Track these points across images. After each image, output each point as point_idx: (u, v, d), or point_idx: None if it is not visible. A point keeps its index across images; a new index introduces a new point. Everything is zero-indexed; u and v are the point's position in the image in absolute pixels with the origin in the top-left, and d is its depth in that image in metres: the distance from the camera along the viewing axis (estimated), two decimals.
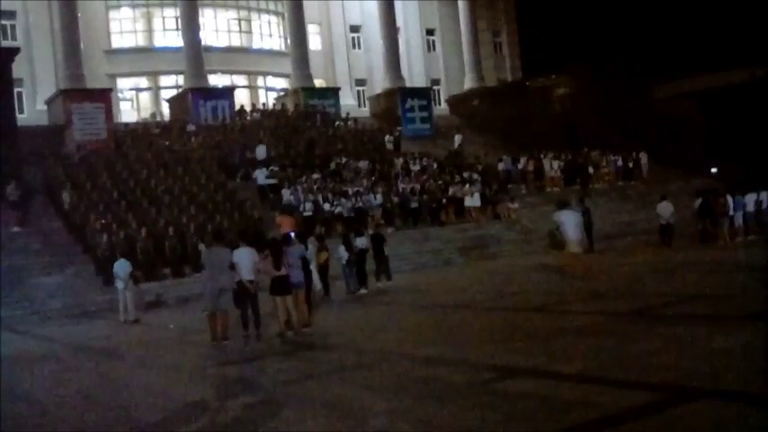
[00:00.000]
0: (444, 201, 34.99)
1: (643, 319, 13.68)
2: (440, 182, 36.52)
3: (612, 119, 46.01)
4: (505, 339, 13.07)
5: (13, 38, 44.24)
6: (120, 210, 29.90)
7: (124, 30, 48.22)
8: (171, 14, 48.21)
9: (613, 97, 47.43)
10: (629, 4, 69.23)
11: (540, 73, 54.49)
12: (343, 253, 23.07)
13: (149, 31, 48.88)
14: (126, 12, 48.39)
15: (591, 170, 40.83)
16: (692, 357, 10.24)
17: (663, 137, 45.92)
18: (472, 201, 34.81)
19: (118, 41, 47.91)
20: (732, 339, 11.02)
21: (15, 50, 36.66)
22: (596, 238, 29.55)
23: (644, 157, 42.49)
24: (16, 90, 38.47)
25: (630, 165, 42.25)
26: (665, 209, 28.53)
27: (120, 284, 22.17)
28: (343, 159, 37.68)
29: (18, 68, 36.79)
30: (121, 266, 22.45)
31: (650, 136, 45.35)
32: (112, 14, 47.96)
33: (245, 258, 15.82)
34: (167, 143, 37.61)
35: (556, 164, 40.34)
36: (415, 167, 38.55)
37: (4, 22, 44.25)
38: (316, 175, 35.20)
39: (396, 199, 34.10)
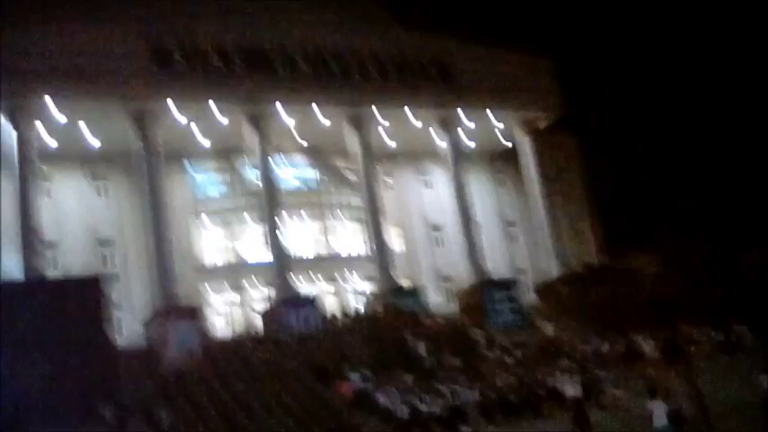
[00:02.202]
0: (543, 392, 33.93)
1: None
2: (536, 373, 35.62)
3: (705, 292, 44.86)
4: None
5: (112, 265, 46.38)
6: (218, 426, 29.78)
7: (214, 248, 50.08)
8: (258, 229, 50.05)
9: (703, 270, 46.51)
10: (705, 175, 69.31)
11: (625, 253, 54.09)
12: None
13: (238, 247, 50.60)
14: (216, 231, 50.43)
15: (690, 347, 39.38)
16: None
17: (759, 307, 44.40)
18: (573, 390, 33.67)
19: (209, 259, 49.66)
20: None
21: (113, 276, 38.28)
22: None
23: (744, 330, 40.95)
24: (114, 314, 39.78)
25: (730, 338, 40.63)
26: None
27: None
28: (435, 357, 37.25)
29: (116, 293, 38.33)
30: None
31: (746, 306, 43.94)
32: (203, 234, 50.03)
33: None
34: (260, 356, 37.89)
35: (653, 344, 39.10)
36: (510, 360, 37.83)
37: (104, 251, 46.63)
38: (408, 376, 34.77)
39: (493, 395, 33.22)
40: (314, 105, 48.14)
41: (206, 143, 49.02)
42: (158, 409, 31.40)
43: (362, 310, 47.64)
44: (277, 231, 46.46)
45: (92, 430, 29.91)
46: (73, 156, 46.61)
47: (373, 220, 50.03)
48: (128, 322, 45.27)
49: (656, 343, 39.23)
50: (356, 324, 43.29)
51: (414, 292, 48.79)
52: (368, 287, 52.28)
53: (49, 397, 31.21)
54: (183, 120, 45.68)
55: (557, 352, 39.61)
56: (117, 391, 32.71)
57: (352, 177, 53.81)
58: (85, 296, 35.08)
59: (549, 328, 43.62)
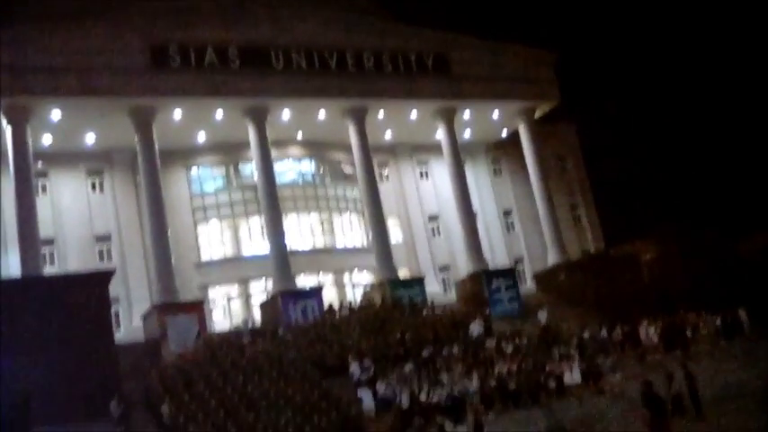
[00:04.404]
0: (543, 379, 34.03)
1: None
2: (536, 361, 35.72)
3: (704, 277, 45.09)
4: None
5: (109, 259, 46.57)
6: (219, 418, 29.89)
7: (213, 242, 50.20)
8: (256, 223, 50.14)
9: (702, 255, 46.72)
10: (704, 162, 69.36)
11: (622, 240, 54.31)
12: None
13: (237, 240, 50.72)
14: (214, 224, 50.53)
15: (689, 332, 39.52)
16: None
17: (759, 290, 44.56)
18: (572, 377, 33.77)
19: (207, 253, 49.77)
20: None
21: (111, 272, 38.40)
22: (704, 402, 28.15)
23: (743, 314, 41.03)
24: (113, 309, 39.94)
25: (729, 322, 40.73)
26: None
27: None
28: (435, 347, 37.35)
29: (114, 288, 38.41)
30: None
31: (746, 291, 44.11)
32: (201, 228, 50.16)
33: None
34: (260, 348, 38.00)
35: (652, 330, 39.23)
36: (508, 348, 37.94)
37: (100, 246, 46.82)
38: (409, 366, 34.86)
39: (493, 382, 33.31)
40: (310, 99, 48.16)
41: (203, 138, 49.21)
42: (160, 404, 31.53)
43: (361, 301, 47.73)
44: (275, 224, 46.52)
45: (95, 425, 30.07)
46: (70, 152, 46.71)
47: (371, 212, 50.13)
48: (126, 317, 45.56)
49: (655, 328, 39.34)
50: (355, 315, 43.38)
51: (412, 283, 48.89)
52: (366, 278, 52.41)
53: (52, 393, 31.37)
54: (180, 115, 45.75)
55: (555, 339, 39.70)
56: (120, 386, 32.87)
57: (349, 170, 53.91)
58: (87, 292, 35.22)
59: (547, 316, 43.70)
